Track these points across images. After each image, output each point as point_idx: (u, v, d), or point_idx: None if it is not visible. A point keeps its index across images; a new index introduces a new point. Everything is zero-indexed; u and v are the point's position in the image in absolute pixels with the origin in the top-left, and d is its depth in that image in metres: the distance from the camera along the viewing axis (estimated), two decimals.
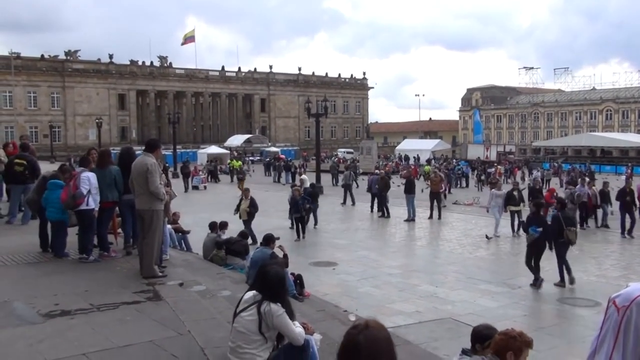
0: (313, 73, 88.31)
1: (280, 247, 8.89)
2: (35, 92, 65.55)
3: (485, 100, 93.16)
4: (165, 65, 75.35)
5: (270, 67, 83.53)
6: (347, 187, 24.74)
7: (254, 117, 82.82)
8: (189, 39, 77.00)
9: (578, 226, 17.56)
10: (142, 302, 6.29)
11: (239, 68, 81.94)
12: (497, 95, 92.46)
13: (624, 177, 36.47)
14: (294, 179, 31.05)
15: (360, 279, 10.91)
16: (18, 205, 11.81)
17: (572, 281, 10.59)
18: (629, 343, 2.14)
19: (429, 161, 54.28)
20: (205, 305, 6.37)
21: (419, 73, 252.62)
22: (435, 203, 20.05)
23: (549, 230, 10.68)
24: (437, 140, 76.06)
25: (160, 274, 7.41)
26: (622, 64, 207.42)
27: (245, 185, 25.05)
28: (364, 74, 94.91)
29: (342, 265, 12.13)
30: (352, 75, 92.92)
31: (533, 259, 10.57)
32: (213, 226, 11.68)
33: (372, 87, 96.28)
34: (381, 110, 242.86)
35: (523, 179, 35.54)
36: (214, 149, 58.94)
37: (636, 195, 17.53)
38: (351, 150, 69.90)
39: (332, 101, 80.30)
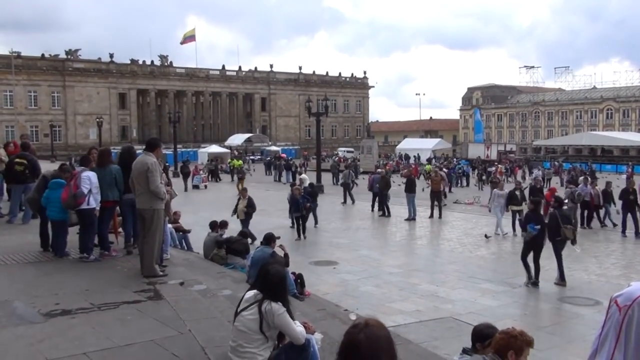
0: (313, 72, 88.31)
1: (280, 246, 8.89)
2: (36, 92, 65.56)
3: (486, 99, 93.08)
4: (166, 64, 75.34)
5: (271, 66, 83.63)
6: (346, 186, 24.84)
7: (254, 116, 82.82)
8: (189, 38, 76.96)
9: (578, 225, 17.67)
10: (142, 302, 6.29)
11: (240, 67, 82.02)
12: (498, 94, 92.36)
13: (624, 177, 36.49)
14: (294, 178, 31.05)
15: (361, 278, 10.91)
16: (19, 204, 11.82)
17: (559, 279, 10.75)
18: (630, 343, 2.14)
19: (429, 160, 54.28)
20: (206, 304, 6.37)
21: (419, 72, 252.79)
22: (435, 202, 20.06)
23: (546, 228, 10.79)
24: (438, 140, 76.04)
25: (161, 273, 7.41)
26: (622, 62, 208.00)
27: (245, 185, 25.07)
28: (365, 73, 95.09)
29: (342, 264, 12.12)
30: (352, 74, 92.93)
31: (533, 258, 10.61)
32: (213, 225, 11.68)
33: (373, 86, 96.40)
34: (382, 109, 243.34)
35: (524, 178, 35.51)
36: (214, 148, 58.94)
37: (639, 194, 17.48)
38: (351, 149, 69.91)
39: (333, 100, 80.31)
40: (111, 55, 70.06)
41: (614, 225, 17.86)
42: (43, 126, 64.48)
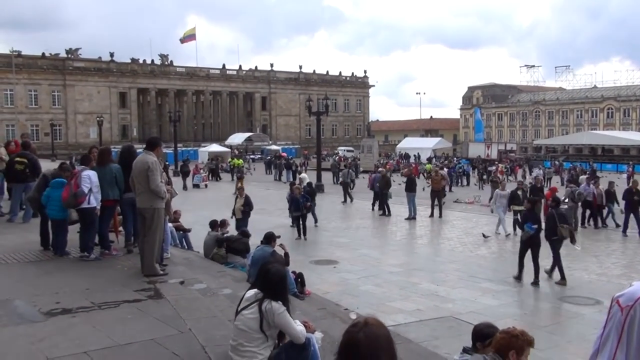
0: (314, 71, 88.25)
1: (281, 245, 8.88)
2: (36, 91, 65.54)
3: (487, 99, 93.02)
4: (166, 63, 75.29)
5: (271, 65, 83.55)
6: (345, 185, 24.93)
7: (254, 115, 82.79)
8: (189, 37, 76.95)
9: (579, 224, 17.68)
10: (143, 301, 6.30)
11: (240, 66, 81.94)
12: (498, 93, 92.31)
13: (625, 176, 36.49)
14: (294, 178, 31.03)
15: (361, 277, 10.91)
16: (19, 203, 11.82)
17: (548, 274, 10.91)
18: (632, 343, 2.13)
19: (429, 159, 54.27)
20: (206, 303, 6.38)
21: (419, 71, 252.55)
22: (436, 201, 20.06)
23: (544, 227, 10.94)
24: (438, 139, 75.99)
25: (161, 272, 7.41)
26: (623, 62, 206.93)
27: (245, 184, 25.02)
28: (365, 72, 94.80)
29: (343, 263, 12.12)
30: (353, 73, 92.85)
31: (532, 257, 10.67)
32: (214, 224, 11.67)
33: (373, 86, 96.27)
34: (382, 108, 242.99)
35: (524, 177, 35.53)
36: (215, 147, 58.95)
37: None
38: (351, 148, 69.87)
39: (333, 99, 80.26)
40: (111, 54, 70.10)
41: (617, 225, 17.83)
42: (43, 125, 64.46)
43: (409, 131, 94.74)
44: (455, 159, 54.08)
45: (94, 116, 63.37)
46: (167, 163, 29.37)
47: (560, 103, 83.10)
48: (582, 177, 24.62)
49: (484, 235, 15.75)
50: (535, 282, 10.53)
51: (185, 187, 29.81)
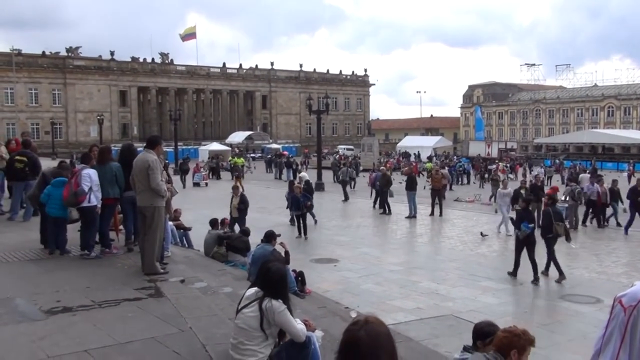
0: (314, 70, 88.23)
1: (281, 243, 8.89)
2: (37, 89, 65.54)
3: (487, 97, 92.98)
4: (167, 62, 75.24)
5: (272, 63, 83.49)
6: (344, 183, 25.00)
7: (255, 114, 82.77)
8: (190, 35, 76.91)
9: (580, 223, 17.67)
10: (143, 299, 6.30)
11: (240, 65, 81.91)
12: (499, 92, 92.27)
13: (625, 174, 36.49)
14: (295, 176, 31.00)
15: (362, 275, 10.91)
16: (20, 202, 11.83)
17: (544, 274, 10.92)
18: (636, 343, 2.13)
19: (430, 158, 54.27)
20: (207, 302, 6.38)
21: (420, 70, 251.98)
22: (436, 200, 20.06)
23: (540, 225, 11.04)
24: (439, 137, 75.98)
25: (162, 270, 7.42)
26: (624, 60, 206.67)
27: (245, 183, 25.05)
28: (365, 70, 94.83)
29: (343, 262, 12.12)
30: (353, 72, 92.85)
31: (527, 255, 10.75)
32: (214, 223, 11.68)
33: (374, 84, 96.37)
34: (382, 107, 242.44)
35: (524, 175, 35.51)
36: (215, 146, 58.97)
37: None
38: (351, 147, 69.83)
39: (334, 98, 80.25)
40: (112, 53, 70.04)
41: (618, 224, 17.80)
42: (44, 123, 64.49)
43: (410, 130, 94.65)
44: (455, 157, 54.08)
45: (94, 115, 63.36)
46: (167, 162, 29.31)
47: (561, 101, 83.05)
48: (582, 176, 24.60)
49: (482, 234, 15.75)
50: (535, 280, 10.55)
51: (184, 186, 29.79)
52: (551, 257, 10.90)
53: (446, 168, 31.92)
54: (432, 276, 11.03)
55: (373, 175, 24.58)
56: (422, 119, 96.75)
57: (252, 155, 59.38)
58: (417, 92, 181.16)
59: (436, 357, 5.89)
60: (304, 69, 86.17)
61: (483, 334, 3.96)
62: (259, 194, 25.10)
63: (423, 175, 36.94)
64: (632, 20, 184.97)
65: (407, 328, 7.40)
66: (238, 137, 68.96)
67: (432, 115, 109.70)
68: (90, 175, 7.99)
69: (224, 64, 79.67)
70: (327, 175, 31.82)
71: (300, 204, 15.42)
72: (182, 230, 11.95)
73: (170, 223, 9.98)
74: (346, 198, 24.44)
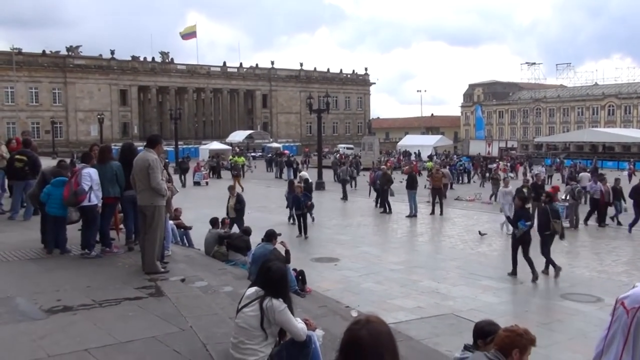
0: (315, 69, 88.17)
1: (282, 243, 8.89)
2: (37, 88, 65.53)
3: (487, 96, 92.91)
4: (167, 61, 75.23)
5: (272, 62, 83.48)
6: (343, 182, 25.02)
7: (255, 113, 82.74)
8: (190, 34, 76.87)
9: (580, 222, 17.64)
10: (144, 298, 6.30)
11: (241, 64, 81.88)
12: (499, 90, 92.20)
13: (626, 173, 36.44)
14: (295, 175, 31.02)
15: (362, 274, 10.92)
16: (20, 201, 11.83)
17: (544, 273, 11.01)
18: (639, 345, 2.13)
19: (430, 157, 54.23)
20: (207, 301, 6.38)
21: (420, 69, 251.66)
22: (437, 199, 20.06)
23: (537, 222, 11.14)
24: (439, 136, 75.90)
25: (162, 269, 7.41)
26: (624, 59, 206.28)
27: (245, 182, 25.04)
28: (366, 69, 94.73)
29: (343, 261, 12.13)
30: (353, 70, 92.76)
31: (522, 253, 10.81)
32: (214, 222, 11.68)
33: (374, 83, 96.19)
34: (383, 106, 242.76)
35: (525, 174, 35.51)
36: (215, 145, 58.96)
37: None
38: (351, 146, 69.81)
39: (334, 97, 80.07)
40: (112, 52, 70.00)
41: (618, 224, 17.76)
42: (44, 123, 64.48)
43: (410, 129, 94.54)
44: (456, 156, 54.03)
45: (94, 114, 63.32)
46: (167, 161, 29.29)
47: (561, 100, 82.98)
48: (582, 174, 24.55)
49: (480, 233, 15.73)
50: (534, 278, 10.57)
51: (184, 185, 29.77)
52: (546, 251, 11.01)
53: (447, 167, 31.89)
54: (432, 275, 11.03)
55: (373, 174, 24.58)
56: (422, 118, 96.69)
57: (252, 154, 59.38)
58: (418, 91, 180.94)
59: (437, 356, 5.89)
60: (304, 68, 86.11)
61: (484, 333, 3.96)
62: (259, 193, 25.12)
63: (423, 174, 36.91)
64: (633, 20, 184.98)
65: (407, 327, 7.40)
66: (238, 136, 68.93)
67: (432, 114, 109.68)
68: (90, 175, 7.98)
69: (225, 63, 79.74)
70: (328, 175, 31.82)
71: (301, 204, 15.42)
72: (182, 229, 11.95)
73: (171, 222, 9.98)
74: (345, 197, 24.46)
